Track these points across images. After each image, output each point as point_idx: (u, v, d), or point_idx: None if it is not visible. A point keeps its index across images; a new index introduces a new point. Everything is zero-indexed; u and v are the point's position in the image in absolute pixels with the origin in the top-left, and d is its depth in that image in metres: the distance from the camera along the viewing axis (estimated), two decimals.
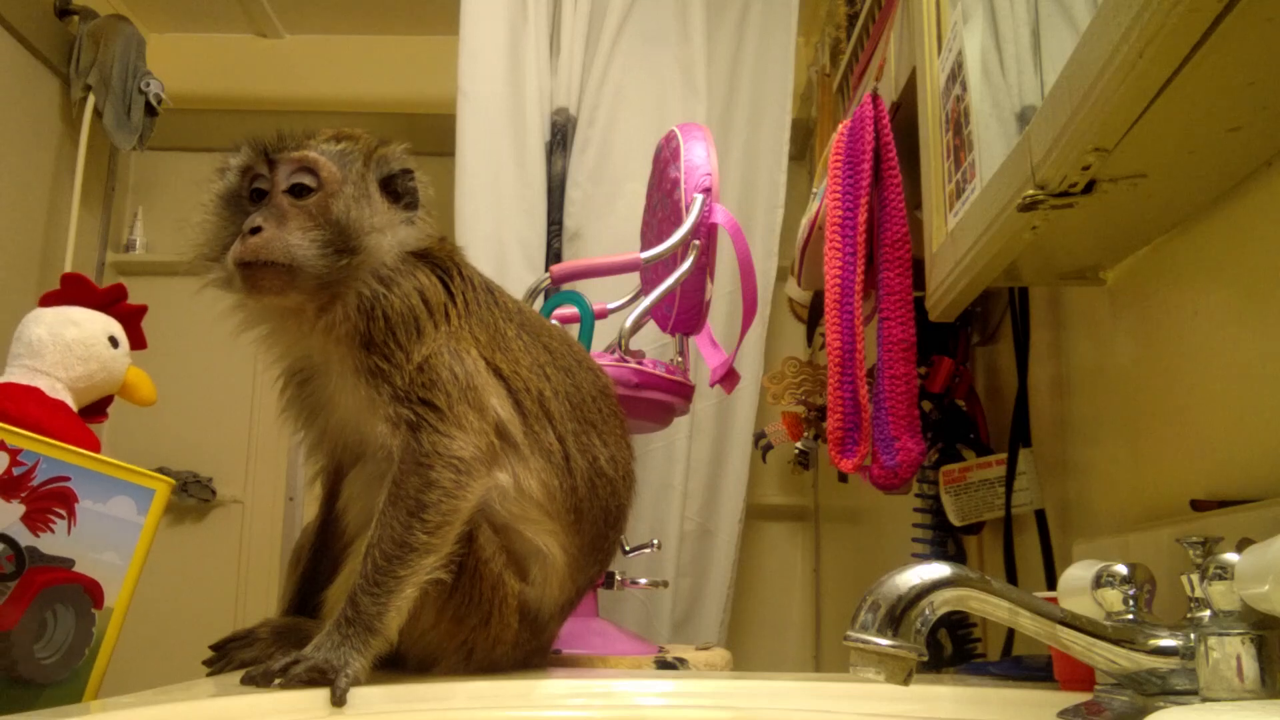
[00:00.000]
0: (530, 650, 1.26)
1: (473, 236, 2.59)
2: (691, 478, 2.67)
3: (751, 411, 2.75)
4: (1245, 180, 0.85)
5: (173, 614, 2.72)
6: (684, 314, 2.05)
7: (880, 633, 0.63)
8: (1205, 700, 0.66)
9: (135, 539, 1.44)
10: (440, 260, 1.24)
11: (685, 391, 1.97)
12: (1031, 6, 1.06)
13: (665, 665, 1.66)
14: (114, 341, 1.65)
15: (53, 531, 1.38)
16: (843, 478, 2.02)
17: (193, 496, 3.17)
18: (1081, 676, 0.89)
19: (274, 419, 1.29)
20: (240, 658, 1.20)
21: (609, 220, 2.64)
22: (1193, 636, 0.67)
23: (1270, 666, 0.64)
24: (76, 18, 3.03)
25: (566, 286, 2.18)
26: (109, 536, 1.41)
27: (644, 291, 2.15)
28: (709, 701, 1.03)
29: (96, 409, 1.68)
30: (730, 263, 2.36)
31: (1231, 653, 0.64)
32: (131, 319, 1.70)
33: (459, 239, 2.52)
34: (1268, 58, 0.66)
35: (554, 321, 1.92)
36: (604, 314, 2.12)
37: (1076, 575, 0.78)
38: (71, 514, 1.39)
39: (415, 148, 1.28)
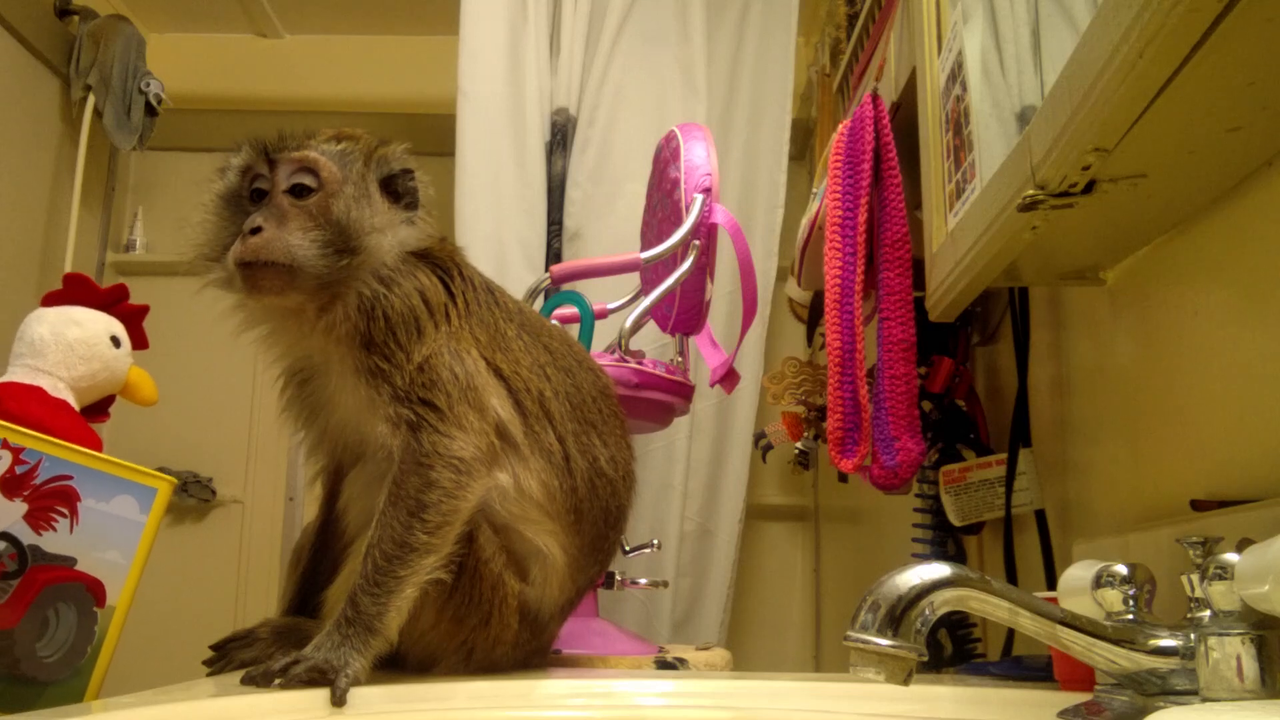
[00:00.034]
0: (530, 650, 1.26)
1: (473, 236, 2.59)
2: (691, 478, 2.66)
3: (751, 411, 2.75)
4: (1245, 180, 0.85)
5: (173, 614, 2.72)
6: (684, 314, 2.05)
7: (880, 633, 0.63)
8: (1205, 700, 0.66)
9: (137, 538, 1.44)
10: (441, 260, 1.24)
11: (685, 391, 1.97)
12: (1031, 6, 1.06)
13: (665, 665, 1.66)
14: (116, 341, 1.65)
15: (55, 530, 1.38)
16: (843, 478, 2.02)
17: (193, 496, 3.17)
18: (1081, 676, 0.89)
19: (274, 419, 1.29)
20: (240, 658, 1.20)
21: (609, 220, 2.64)
22: (1193, 636, 0.67)
23: (1270, 666, 0.64)
24: (76, 18, 3.03)
25: (566, 286, 2.18)
26: (111, 535, 1.42)
27: (644, 292, 2.15)
28: (709, 702, 1.03)
29: (99, 408, 1.68)
30: (730, 263, 2.36)
31: (1231, 653, 0.64)
32: (133, 319, 1.71)
33: (459, 239, 2.53)
34: (1268, 58, 0.66)
35: (554, 321, 1.92)
36: (604, 314, 2.12)
37: (1076, 575, 0.78)
38: (74, 513, 1.39)
39: (415, 148, 1.28)
